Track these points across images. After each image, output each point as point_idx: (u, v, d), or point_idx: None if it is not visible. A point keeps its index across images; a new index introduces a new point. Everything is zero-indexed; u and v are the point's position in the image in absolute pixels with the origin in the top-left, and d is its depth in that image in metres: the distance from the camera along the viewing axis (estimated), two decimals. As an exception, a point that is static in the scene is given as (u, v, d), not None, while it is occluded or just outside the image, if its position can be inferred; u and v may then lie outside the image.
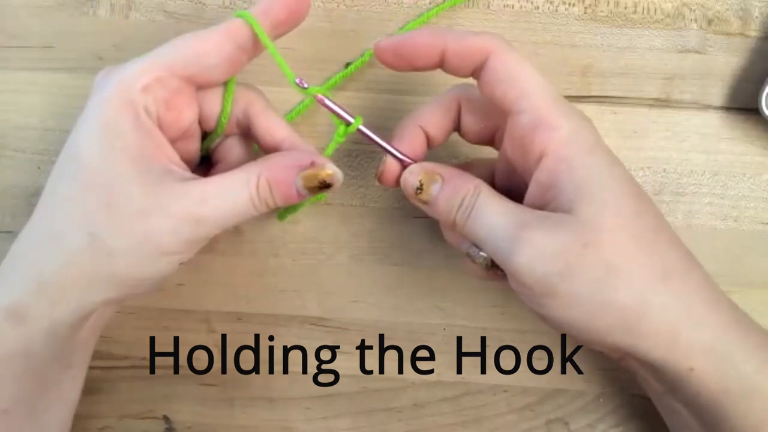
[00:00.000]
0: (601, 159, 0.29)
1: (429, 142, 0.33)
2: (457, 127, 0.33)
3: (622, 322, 0.27)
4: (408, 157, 0.32)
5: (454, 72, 0.31)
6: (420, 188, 0.31)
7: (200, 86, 0.31)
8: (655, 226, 0.29)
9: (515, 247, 0.28)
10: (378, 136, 0.32)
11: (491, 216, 0.29)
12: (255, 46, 0.30)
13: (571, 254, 0.27)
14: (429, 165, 0.31)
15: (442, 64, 0.30)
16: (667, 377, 0.29)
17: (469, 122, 0.33)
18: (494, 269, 0.31)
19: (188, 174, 0.30)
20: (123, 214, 0.28)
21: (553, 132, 0.28)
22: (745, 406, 0.28)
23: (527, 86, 0.29)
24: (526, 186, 0.30)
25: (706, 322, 0.28)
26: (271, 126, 0.32)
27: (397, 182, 0.32)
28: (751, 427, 0.28)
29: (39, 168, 0.39)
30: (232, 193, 0.29)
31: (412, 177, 0.31)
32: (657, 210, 0.30)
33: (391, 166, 0.32)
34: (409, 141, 0.32)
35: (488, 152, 0.36)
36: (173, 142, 0.31)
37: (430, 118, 0.32)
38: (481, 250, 0.31)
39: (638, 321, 0.27)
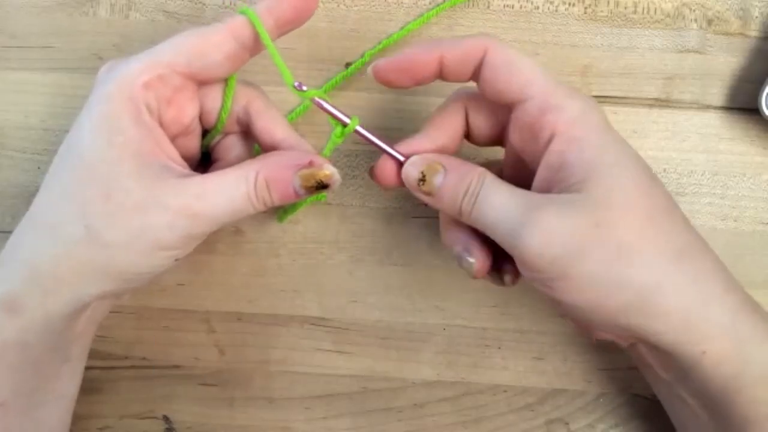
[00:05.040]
0: (612, 139, 0.29)
1: (443, 150, 0.32)
2: (466, 132, 0.33)
3: (636, 302, 0.27)
4: (407, 157, 0.32)
5: (455, 76, 0.30)
6: (423, 180, 0.30)
7: (202, 83, 0.31)
8: (666, 206, 0.29)
9: (525, 229, 0.27)
10: (375, 136, 0.32)
11: (499, 200, 0.28)
12: (257, 44, 0.30)
13: (584, 234, 0.27)
14: (431, 156, 0.31)
15: (441, 72, 0.30)
16: (678, 362, 0.28)
17: (478, 122, 0.32)
18: (490, 274, 0.31)
19: (187, 171, 0.30)
20: (120, 207, 0.28)
21: (562, 113, 0.28)
22: (758, 393, 0.27)
23: (529, 74, 0.29)
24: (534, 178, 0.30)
25: (719, 304, 0.28)
26: (271, 124, 0.32)
27: (393, 180, 0.32)
28: (762, 415, 0.28)
29: (39, 168, 0.39)
30: (229, 189, 0.29)
31: (413, 168, 0.31)
32: (668, 192, 0.29)
33: (385, 162, 0.32)
34: (419, 148, 0.32)
35: (493, 154, 0.36)
36: (174, 138, 0.31)
37: (441, 126, 0.32)
38: (470, 255, 0.31)
39: (652, 301, 0.27)
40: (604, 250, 0.27)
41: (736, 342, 0.27)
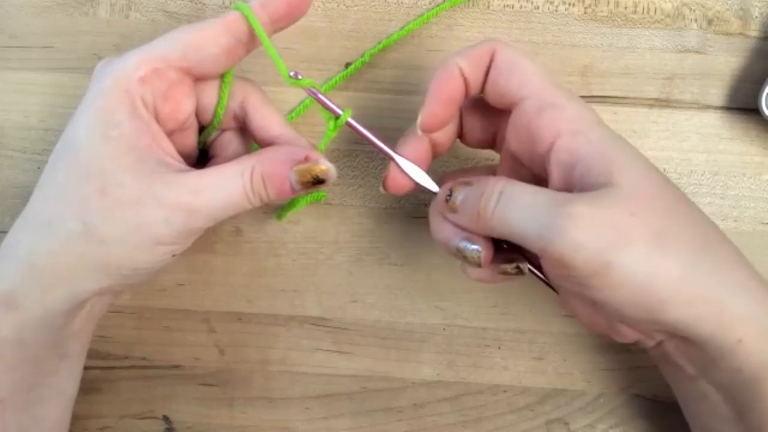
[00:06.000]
0: (613, 134, 0.29)
1: (436, 148, 0.33)
2: (459, 132, 0.33)
3: (675, 293, 0.26)
4: (396, 152, 0.32)
5: (474, 86, 0.30)
6: (450, 195, 0.30)
7: (198, 78, 0.31)
8: (684, 198, 0.29)
9: (561, 224, 0.26)
10: (371, 132, 0.32)
11: (526, 199, 0.27)
12: (252, 40, 0.30)
13: (622, 223, 0.26)
14: (461, 178, 0.31)
15: (465, 81, 0.30)
16: (709, 354, 0.28)
17: (471, 124, 0.33)
18: (493, 266, 0.30)
19: (183, 166, 0.30)
20: (116, 202, 0.28)
21: (562, 111, 0.29)
22: None
23: (528, 74, 0.29)
24: (533, 180, 0.30)
25: (748, 291, 0.27)
26: (268, 120, 0.32)
27: (406, 188, 0.32)
28: None
29: (39, 168, 0.39)
30: (225, 184, 0.29)
31: (443, 188, 0.30)
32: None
33: (395, 172, 0.32)
34: (414, 148, 0.32)
35: (489, 153, 0.36)
36: (170, 134, 0.31)
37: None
38: (473, 243, 0.29)
39: (689, 291, 0.27)
40: (643, 239, 0.26)
41: (764, 330, 0.27)
